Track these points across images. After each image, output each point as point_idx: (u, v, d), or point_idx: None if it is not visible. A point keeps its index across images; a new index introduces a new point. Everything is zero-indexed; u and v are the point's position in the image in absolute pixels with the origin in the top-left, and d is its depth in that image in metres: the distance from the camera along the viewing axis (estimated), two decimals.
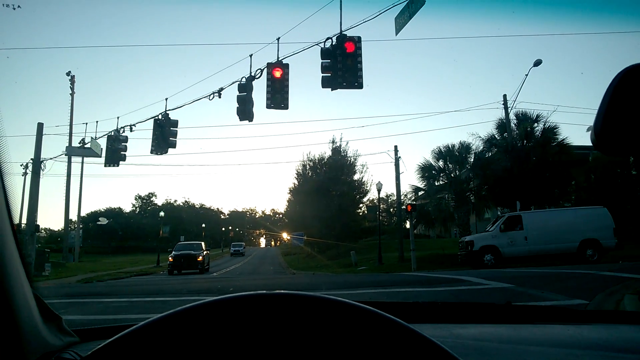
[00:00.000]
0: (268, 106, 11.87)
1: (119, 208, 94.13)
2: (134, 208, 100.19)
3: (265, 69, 12.27)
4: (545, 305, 1.43)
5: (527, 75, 24.87)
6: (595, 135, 0.85)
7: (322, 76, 11.07)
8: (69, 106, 38.40)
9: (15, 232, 0.65)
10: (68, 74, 40.41)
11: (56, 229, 70.49)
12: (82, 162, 40.03)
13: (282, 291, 0.63)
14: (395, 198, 40.03)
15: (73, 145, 22.20)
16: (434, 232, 42.47)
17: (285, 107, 11.90)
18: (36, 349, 0.69)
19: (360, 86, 10.81)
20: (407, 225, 36.44)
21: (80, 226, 46.86)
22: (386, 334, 0.57)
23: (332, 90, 11.14)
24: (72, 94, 39.82)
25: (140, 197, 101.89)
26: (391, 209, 69.24)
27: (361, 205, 46.96)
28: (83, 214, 60.82)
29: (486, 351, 0.88)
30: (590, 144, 0.93)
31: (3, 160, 0.61)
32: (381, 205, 33.16)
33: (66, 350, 0.76)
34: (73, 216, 43.71)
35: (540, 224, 18.46)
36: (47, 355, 0.71)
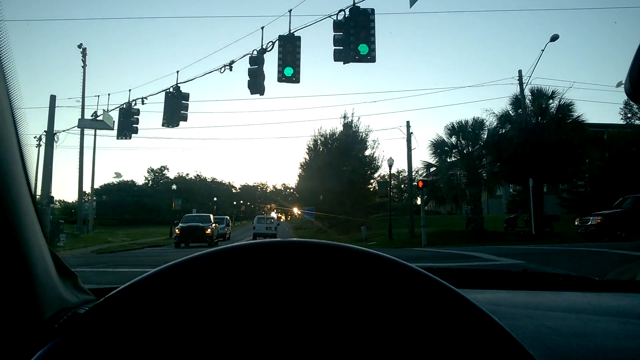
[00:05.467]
0: (279, 79, 11.78)
1: (132, 181, 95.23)
2: (146, 181, 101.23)
3: (277, 41, 12.12)
4: (562, 273, 1.45)
5: (543, 50, 24.34)
6: (630, 84, 0.81)
7: (334, 49, 10.91)
8: (80, 78, 38.35)
9: (30, 188, 0.67)
10: (80, 46, 40.18)
11: (70, 201, 71.52)
12: (95, 135, 40.24)
13: (324, 241, 0.59)
14: (406, 174, 40.01)
15: (85, 117, 22.29)
16: (444, 209, 42.38)
17: (297, 80, 11.80)
18: (53, 304, 0.69)
19: (373, 60, 10.65)
20: (418, 201, 36.44)
21: (94, 198, 47.42)
22: (427, 294, 0.56)
23: (344, 63, 11.00)
24: (83, 67, 39.75)
25: (152, 170, 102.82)
26: (402, 185, 69.14)
27: (372, 180, 46.91)
28: (96, 186, 61.50)
29: (502, 315, 0.87)
30: (606, 122, 0.89)
31: (20, 132, 0.63)
32: (392, 182, 33.07)
33: (82, 306, 0.76)
34: (87, 188, 44.27)
35: None
36: (64, 310, 0.72)
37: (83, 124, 20.93)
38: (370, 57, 10.61)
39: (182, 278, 0.58)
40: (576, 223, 19.92)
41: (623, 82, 0.85)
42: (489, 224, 24.96)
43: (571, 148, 22.91)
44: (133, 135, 17.72)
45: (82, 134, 37.25)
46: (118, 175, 70.68)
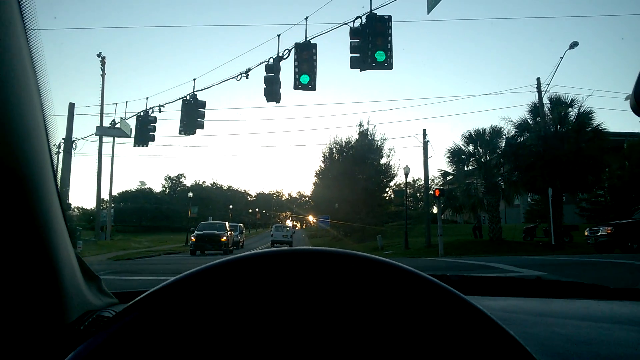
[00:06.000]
0: (295, 87, 11.75)
1: (150, 188, 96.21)
2: (163, 188, 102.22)
3: (293, 49, 12.12)
4: (575, 281, 1.42)
5: (562, 57, 24.04)
6: (635, 100, 0.81)
7: (351, 56, 10.86)
8: (98, 87, 38.94)
9: (59, 195, 0.68)
10: (99, 55, 40.86)
11: (89, 208, 72.49)
12: (113, 142, 40.69)
13: (343, 250, 0.60)
14: (421, 183, 39.61)
15: (104, 125, 22.59)
16: (461, 218, 41.90)
17: (313, 88, 11.77)
18: (78, 307, 0.71)
19: (390, 67, 10.57)
20: (434, 210, 36.09)
21: (112, 205, 47.93)
22: (437, 302, 0.56)
23: (360, 71, 10.92)
24: (102, 75, 40.39)
25: (170, 177, 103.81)
26: (417, 194, 68.63)
27: (387, 189, 46.68)
28: (115, 193, 62.24)
29: (514, 322, 0.88)
30: (625, 131, 0.84)
31: (51, 140, 0.65)
32: (407, 190, 32.83)
33: (106, 309, 0.79)
34: (106, 195, 44.74)
35: None
36: (89, 313, 0.73)
37: (101, 132, 21.21)
38: (387, 65, 10.53)
39: (209, 284, 0.58)
40: (586, 234, 19.44)
41: (629, 95, 0.85)
42: (506, 233, 24.63)
43: (591, 157, 22.47)
44: (150, 143, 17.86)
45: (100, 142, 37.78)
46: (143, 184, 71.58)
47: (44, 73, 0.63)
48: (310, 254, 0.59)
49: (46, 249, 0.63)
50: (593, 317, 1.05)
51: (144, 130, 17.90)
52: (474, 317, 0.55)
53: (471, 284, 1.40)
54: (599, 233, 18.14)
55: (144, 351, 0.56)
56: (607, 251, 17.22)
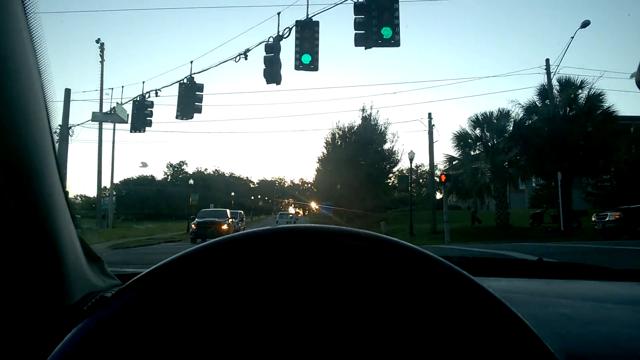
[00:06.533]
0: (297, 67, 11.15)
1: (152, 176, 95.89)
2: (165, 176, 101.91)
3: (294, 27, 11.48)
4: (577, 263, 1.17)
5: (572, 37, 23.24)
6: None
7: (355, 33, 10.22)
8: (93, 71, 38.31)
9: (61, 178, 0.68)
10: (97, 41, 40.08)
11: (91, 196, 72.12)
12: (114, 129, 40.08)
13: (345, 227, 0.61)
14: (424, 168, 38.91)
15: (103, 111, 22.02)
16: (464, 204, 41.31)
17: (315, 68, 11.16)
18: (81, 288, 0.72)
19: (397, 44, 9.94)
20: (438, 195, 35.49)
21: (114, 193, 47.56)
22: (445, 282, 0.57)
23: (365, 48, 10.30)
24: (101, 62, 39.66)
25: (171, 165, 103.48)
26: (420, 180, 67.95)
27: (391, 175, 46.10)
28: (116, 181, 61.83)
29: (516, 302, 0.84)
30: (634, 114, 0.54)
31: (53, 125, 0.67)
32: (412, 176, 32.25)
33: (109, 290, 0.77)
34: (107, 183, 44.31)
35: None
36: (92, 294, 0.73)
37: (97, 118, 20.66)
38: (394, 41, 9.90)
39: (207, 262, 0.59)
40: (593, 219, 18.85)
41: (635, 72, 0.77)
42: (512, 219, 24.07)
43: (602, 140, 21.83)
44: (147, 128, 17.31)
45: (100, 128, 37.17)
46: (144, 164, 70.36)
47: (45, 57, 0.63)
48: (310, 232, 0.59)
49: (49, 232, 0.63)
50: (594, 297, 1.06)
51: (141, 115, 17.32)
52: (478, 295, 0.55)
53: (473, 265, 1.40)
54: (607, 218, 17.55)
55: (144, 328, 0.57)
56: (615, 237, 16.59)
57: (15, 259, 0.61)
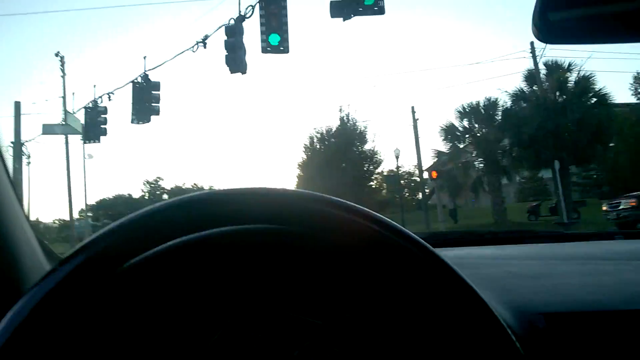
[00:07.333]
0: (264, 50, 9.39)
1: (129, 194, 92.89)
2: (143, 193, 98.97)
3: (258, 3, 9.74)
4: (529, 230, 1.69)
5: None
6: (536, 28, 0.78)
7: (331, 2, 8.54)
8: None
9: (10, 178, 0.68)
10: (57, 54, 37.50)
11: (68, 219, 69.12)
12: (84, 146, 37.72)
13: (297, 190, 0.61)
14: (406, 169, 37.49)
15: (49, 123, 20.02)
16: (452, 203, 39.95)
17: (286, 50, 9.42)
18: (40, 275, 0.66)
19: (381, 11, 8.27)
20: (419, 196, 33.91)
21: (89, 214, 45.10)
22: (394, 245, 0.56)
23: (344, 20, 8.59)
24: (63, 77, 37.20)
25: (148, 182, 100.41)
26: (402, 180, 66.48)
27: (374, 177, 44.64)
28: (92, 202, 59.01)
29: (468, 265, 0.88)
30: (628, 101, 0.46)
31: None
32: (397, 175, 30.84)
33: None
34: (81, 204, 41.95)
35: None
36: None
37: (47, 130, 18.69)
38: (377, 8, 8.22)
39: (158, 225, 0.55)
40: (604, 208, 17.66)
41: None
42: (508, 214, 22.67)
43: (597, 124, 20.60)
44: (102, 137, 15.34)
45: (67, 142, 34.58)
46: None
47: None
48: (262, 194, 0.55)
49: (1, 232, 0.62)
50: (542, 256, 1.11)
51: (94, 123, 15.36)
52: (428, 259, 0.55)
53: (432, 237, 1.41)
54: (621, 207, 16.23)
55: (93, 295, 0.52)
56: (630, 227, 15.29)
57: None
